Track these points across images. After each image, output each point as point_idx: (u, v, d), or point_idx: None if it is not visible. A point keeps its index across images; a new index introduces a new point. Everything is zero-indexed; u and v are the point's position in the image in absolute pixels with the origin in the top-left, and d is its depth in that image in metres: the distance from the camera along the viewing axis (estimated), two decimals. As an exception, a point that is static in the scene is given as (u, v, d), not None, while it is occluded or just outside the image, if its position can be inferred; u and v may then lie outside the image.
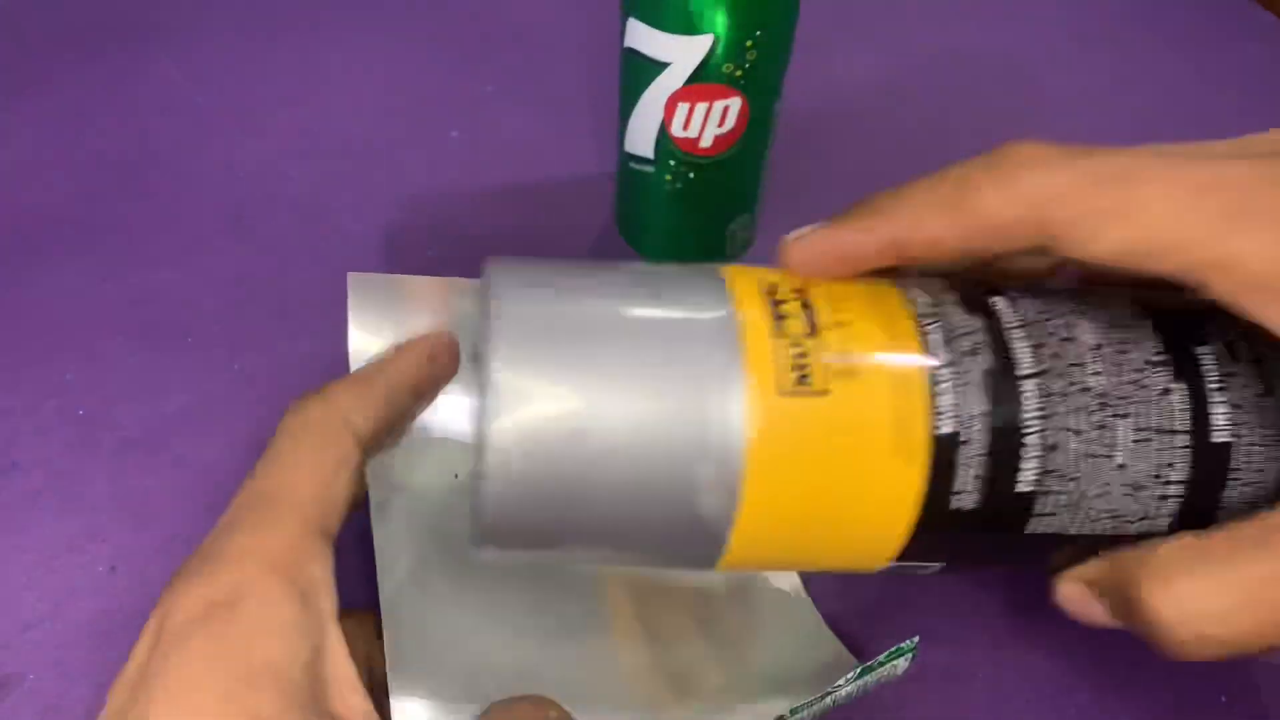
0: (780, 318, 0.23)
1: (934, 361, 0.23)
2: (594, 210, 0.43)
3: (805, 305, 0.23)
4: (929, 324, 0.23)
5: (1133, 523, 0.24)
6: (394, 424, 0.28)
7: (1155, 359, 0.24)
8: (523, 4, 0.52)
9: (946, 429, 0.22)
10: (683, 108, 0.34)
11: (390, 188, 0.43)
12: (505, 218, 0.42)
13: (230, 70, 0.48)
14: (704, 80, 0.34)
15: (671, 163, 0.36)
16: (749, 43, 0.33)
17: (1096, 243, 0.21)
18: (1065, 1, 0.54)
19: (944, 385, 0.23)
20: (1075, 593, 0.25)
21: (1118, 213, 0.21)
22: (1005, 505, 0.23)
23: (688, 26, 0.32)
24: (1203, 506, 0.24)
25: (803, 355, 0.22)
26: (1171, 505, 0.24)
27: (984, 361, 0.23)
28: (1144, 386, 0.23)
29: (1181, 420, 0.23)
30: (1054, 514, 0.24)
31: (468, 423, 0.32)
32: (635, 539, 0.23)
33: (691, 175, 0.37)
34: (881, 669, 0.26)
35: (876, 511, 0.23)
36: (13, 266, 0.40)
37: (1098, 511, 0.24)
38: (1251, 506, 0.24)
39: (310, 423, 0.26)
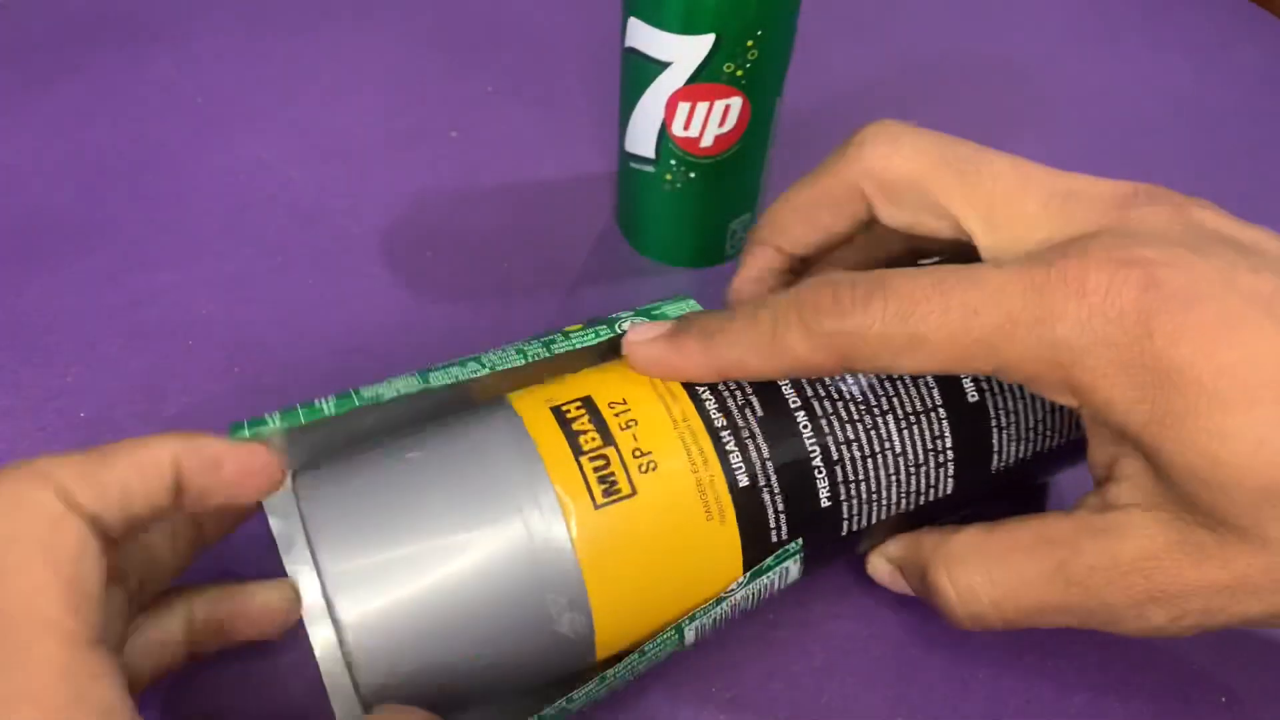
0: (575, 435, 0.25)
1: (716, 427, 0.26)
2: (594, 210, 0.43)
3: (593, 416, 0.26)
4: (703, 394, 0.26)
5: (924, 494, 0.27)
6: (155, 517, 0.24)
7: None
8: (523, 4, 0.52)
9: (744, 482, 0.26)
10: (683, 107, 0.34)
11: (390, 188, 0.43)
12: (505, 218, 0.42)
13: (230, 70, 0.48)
14: (705, 80, 0.34)
15: (672, 162, 0.36)
16: (750, 42, 0.33)
17: (893, 369, 0.25)
18: (1065, 1, 0.54)
19: (730, 445, 0.26)
20: (883, 568, 0.29)
21: (905, 347, 0.24)
22: (816, 523, 0.26)
23: (689, 26, 0.32)
24: (978, 462, 0.28)
25: (605, 466, 0.25)
26: (951, 469, 0.27)
27: (755, 412, 0.26)
28: (896, 378, 0.27)
29: (936, 396, 0.27)
30: (859, 513, 0.27)
31: None
32: (514, 678, 0.25)
33: (692, 175, 0.37)
34: (771, 572, 0.27)
35: (710, 569, 0.26)
36: (13, 268, 0.40)
37: (895, 496, 0.27)
38: (1020, 452, 0.28)
39: (20, 504, 0.21)
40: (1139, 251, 0.23)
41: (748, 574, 0.26)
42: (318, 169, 0.44)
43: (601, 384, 0.27)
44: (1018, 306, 0.23)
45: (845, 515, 0.27)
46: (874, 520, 0.27)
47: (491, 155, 0.45)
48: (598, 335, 0.28)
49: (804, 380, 0.27)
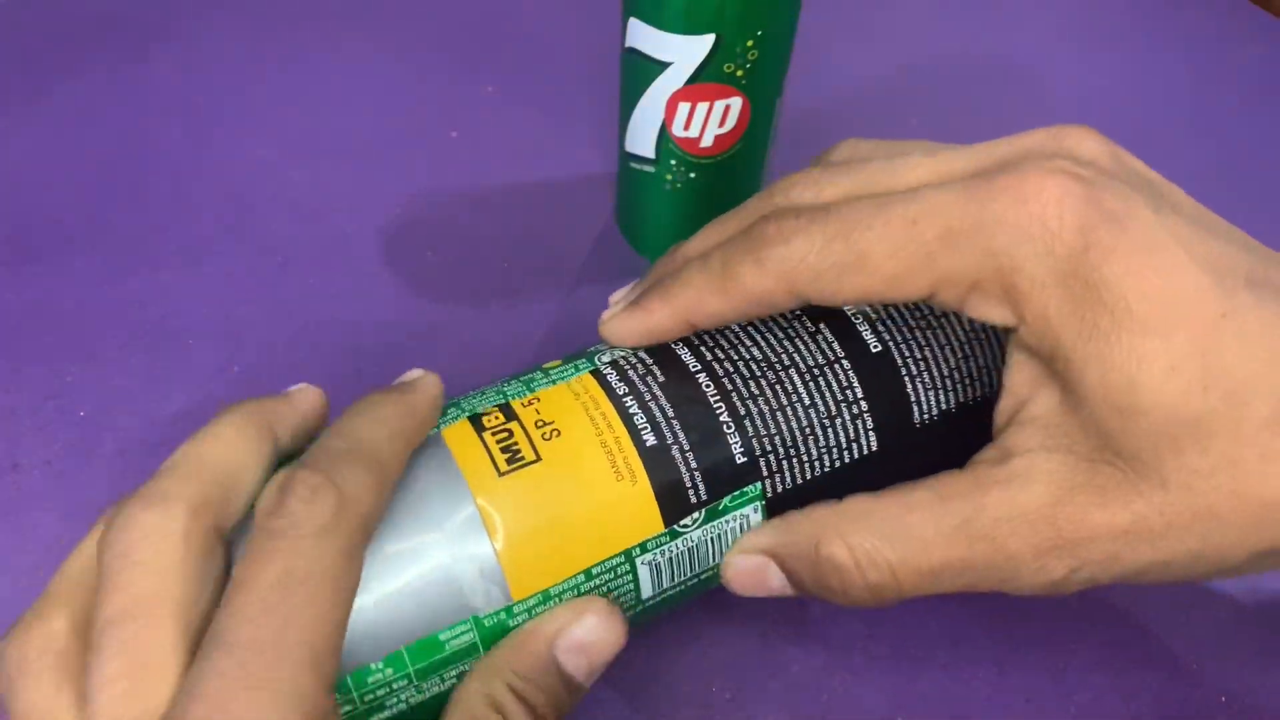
0: (478, 416, 0.26)
1: (619, 394, 0.26)
2: (594, 210, 0.43)
3: (502, 407, 0.26)
4: (607, 372, 0.27)
5: (847, 449, 0.27)
6: None
7: (795, 315, 0.28)
8: (522, 4, 0.52)
9: (651, 441, 0.26)
10: (684, 108, 0.34)
11: (390, 188, 0.43)
12: (505, 218, 0.42)
13: (230, 70, 0.48)
14: (705, 80, 0.34)
15: (672, 162, 0.36)
16: (750, 42, 0.33)
17: (839, 293, 0.25)
18: (1065, 1, 0.54)
19: (633, 408, 0.26)
20: (747, 563, 0.27)
21: (848, 266, 0.24)
22: (734, 479, 0.26)
23: (689, 26, 0.32)
24: (897, 413, 0.27)
25: (508, 438, 0.25)
26: (869, 419, 0.27)
27: (657, 378, 0.27)
28: (795, 336, 0.27)
29: (837, 348, 0.27)
30: (780, 469, 0.27)
31: None
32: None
33: (692, 175, 0.37)
34: (730, 517, 0.27)
35: (627, 530, 0.26)
36: (13, 267, 0.40)
37: (815, 451, 0.27)
38: (942, 403, 0.28)
39: (331, 534, 0.21)
40: (1077, 169, 0.23)
41: (703, 512, 0.26)
42: (318, 169, 0.44)
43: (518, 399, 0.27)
44: (957, 216, 0.23)
45: (765, 472, 0.27)
46: (801, 479, 0.27)
47: (491, 155, 0.45)
48: (577, 370, 0.28)
49: (703, 346, 0.27)
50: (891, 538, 0.25)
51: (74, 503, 0.34)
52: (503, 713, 0.23)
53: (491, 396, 0.27)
